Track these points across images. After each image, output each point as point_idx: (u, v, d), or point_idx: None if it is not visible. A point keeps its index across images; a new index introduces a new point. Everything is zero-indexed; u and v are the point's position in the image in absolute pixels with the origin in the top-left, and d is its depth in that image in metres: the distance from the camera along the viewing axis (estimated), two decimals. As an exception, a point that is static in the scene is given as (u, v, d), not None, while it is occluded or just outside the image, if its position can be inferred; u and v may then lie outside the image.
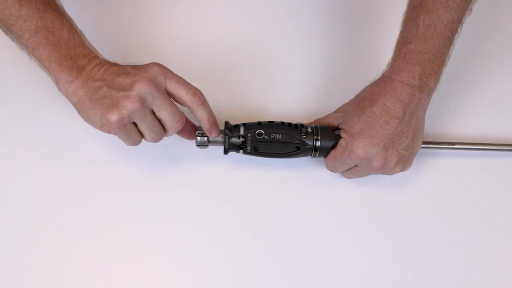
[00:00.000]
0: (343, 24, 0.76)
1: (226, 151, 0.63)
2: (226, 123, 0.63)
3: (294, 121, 0.64)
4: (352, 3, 0.77)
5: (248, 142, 0.62)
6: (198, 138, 0.62)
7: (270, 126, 0.62)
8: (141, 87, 0.54)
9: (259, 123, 0.62)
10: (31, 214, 0.64)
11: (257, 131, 0.61)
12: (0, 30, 0.58)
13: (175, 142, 0.67)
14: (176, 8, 0.75)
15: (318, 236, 0.65)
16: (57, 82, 0.57)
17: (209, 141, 0.62)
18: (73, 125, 0.67)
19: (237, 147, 0.62)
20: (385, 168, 0.60)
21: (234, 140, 0.62)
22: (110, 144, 0.67)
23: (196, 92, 0.57)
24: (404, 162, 0.62)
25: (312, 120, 0.67)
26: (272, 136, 0.61)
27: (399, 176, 0.65)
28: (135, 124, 0.57)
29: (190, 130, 0.63)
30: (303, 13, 0.76)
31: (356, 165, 0.62)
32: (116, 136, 0.57)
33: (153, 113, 0.57)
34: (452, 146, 0.68)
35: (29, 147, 0.67)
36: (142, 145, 0.67)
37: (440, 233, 0.66)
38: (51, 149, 0.67)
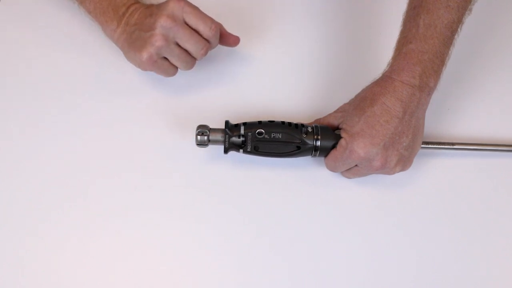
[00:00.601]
0: (343, 24, 0.76)
1: (226, 151, 0.63)
2: (226, 122, 0.63)
3: (294, 121, 0.63)
4: (352, 3, 0.77)
5: (249, 141, 0.62)
6: (198, 137, 0.62)
7: (271, 125, 0.62)
8: (161, 24, 0.60)
9: (260, 122, 0.62)
10: (30, 213, 0.64)
11: (258, 130, 0.61)
12: None
13: (175, 142, 0.67)
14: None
15: (318, 236, 0.65)
16: (104, 31, 0.65)
17: (209, 140, 0.62)
18: (74, 124, 0.68)
19: (237, 147, 0.62)
20: (386, 168, 0.60)
21: (235, 139, 0.62)
22: (110, 143, 0.67)
23: (212, 27, 0.62)
24: (404, 162, 0.62)
25: (312, 120, 0.67)
26: (272, 136, 0.61)
27: (399, 176, 0.65)
28: (166, 58, 0.63)
29: (230, 38, 0.68)
30: (303, 13, 0.76)
31: (356, 165, 0.62)
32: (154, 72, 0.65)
33: (179, 45, 0.62)
34: (452, 147, 0.68)
35: (29, 146, 0.67)
36: (141, 144, 0.67)
37: (440, 233, 0.66)
38: (52, 148, 0.67)
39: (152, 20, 0.60)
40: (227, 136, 0.62)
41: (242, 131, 0.62)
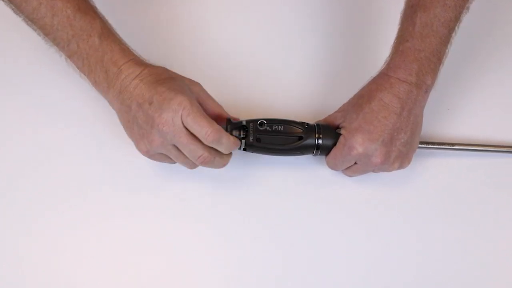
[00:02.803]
0: (343, 24, 0.76)
1: None
2: (228, 120, 0.63)
3: None
4: (351, 3, 0.77)
5: (251, 132, 0.61)
6: None
7: (272, 119, 0.62)
8: (159, 128, 0.55)
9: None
10: (28, 213, 0.64)
11: (259, 121, 0.62)
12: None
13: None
14: (184, 11, 0.76)
15: (319, 234, 0.65)
16: (95, 88, 0.59)
17: None
18: (74, 125, 0.68)
19: (239, 131, 0.62)
20: (385, 164, 0.61)
21: (235, 133, 0.61)
22: (111, 141, 0.67)
23: (209, 133, 0.56)
24: (402, 159, 0.62)
25: (313, 121, 0.67)
26: (274, 128, 0.62)
27: (399, 176, 0.66)
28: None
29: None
30: (303, 13, 0.76)
31: (355, 163, 0.62)
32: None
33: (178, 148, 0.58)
34: (452, 147, 0.68)
35: (30, 146, 0.67)
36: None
37: (440, 232, 0.66)
38: (55, 148, 0.67)
39: (150, 114, 0.55)
40: (229, 126, 0.61)
41: (243, 122, 0.62)
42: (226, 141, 0.58)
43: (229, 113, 0.63)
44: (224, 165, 0.61)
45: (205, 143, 0.57)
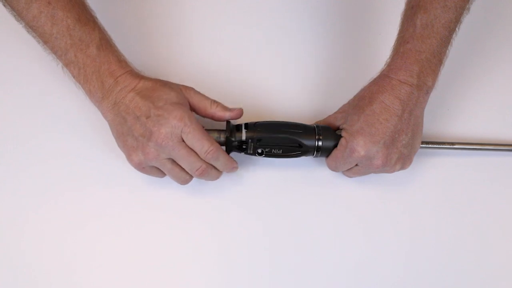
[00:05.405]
0: (343, 24, 0.76)
1: (228, 151, 0.62)
2: (228, 123, 0.63)
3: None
4: (352, 3, 0.77)
5: (251, 128, 0.62)
6: None
7: (272, 122, 0.63)
8: (157, 142, 0.56)
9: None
10: (29, 212, 0.65)
11: (257, 122, 0.62)
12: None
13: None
14: (181, 11, 0.76)
15: (319, 235, 0.66)
16: (89, 98, 0.60)
17: None
18: (76, 122, 0.68)
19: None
20: (386, 166, 0.61)
21: (236, 130, 0.62)
22: (112, 144, 0.67)
23: (209, 151, 0.58)
24: (404, 160, 0.62)
25: (313, 121, 0.67)
26: (274, 128, 0.62)
27: (400, 175, 0.66)
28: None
29: (230, 116, 0.63)
30: (303, 14, 0.76)
31: (356, 164, 0.62)
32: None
33: (173, 161, 0.59)
34: (452, 146, 0.68)
35: (29, 146, 0.67)
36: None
37: (440, 231, 0.67)
38: (55, 149, 0.67)
39: (149, 127, 0.56)
40: (227, 133, 0.61)
41: (243, 125, 0.62)
42: (223, 159, 0.60)
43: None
44: (218, 177, 0.63)
45: (204, 159, 0.58)
